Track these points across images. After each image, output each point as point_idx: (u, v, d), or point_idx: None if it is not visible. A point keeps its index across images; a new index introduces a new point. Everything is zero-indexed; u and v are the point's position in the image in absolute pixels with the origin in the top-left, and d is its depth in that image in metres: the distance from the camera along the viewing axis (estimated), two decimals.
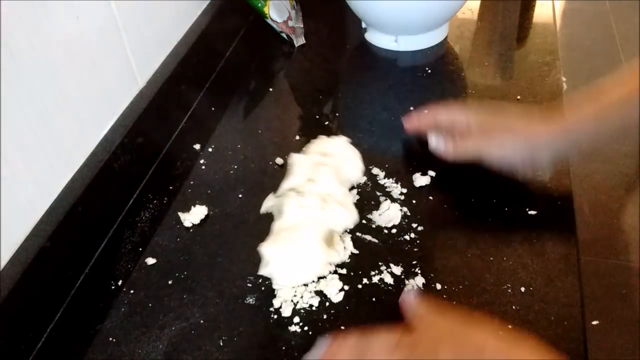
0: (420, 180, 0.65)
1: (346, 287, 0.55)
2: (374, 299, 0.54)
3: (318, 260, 0.56)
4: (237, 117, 0.80)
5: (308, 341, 0.51)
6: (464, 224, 0.61)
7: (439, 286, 0.55)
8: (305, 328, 0.52)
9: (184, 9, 0.82)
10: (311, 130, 0.75)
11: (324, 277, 0.56)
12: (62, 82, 0.57)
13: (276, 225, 0.58)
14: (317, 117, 0.78)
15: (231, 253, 0.60)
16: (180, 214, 0.64)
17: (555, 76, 0.82)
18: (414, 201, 0.64)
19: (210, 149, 0.74)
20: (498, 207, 0.62)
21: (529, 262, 0.56)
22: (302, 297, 0.55)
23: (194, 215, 0.64)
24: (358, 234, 0.60)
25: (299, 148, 0.72)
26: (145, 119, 0.69)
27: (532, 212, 0.61)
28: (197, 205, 0.65)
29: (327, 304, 0.54)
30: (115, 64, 0.66)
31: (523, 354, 0.41)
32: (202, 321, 0.54)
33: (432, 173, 0.66)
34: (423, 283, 0.55)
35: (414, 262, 0.57)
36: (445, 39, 0.92)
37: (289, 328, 0.53)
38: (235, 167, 0.71)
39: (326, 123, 0.77)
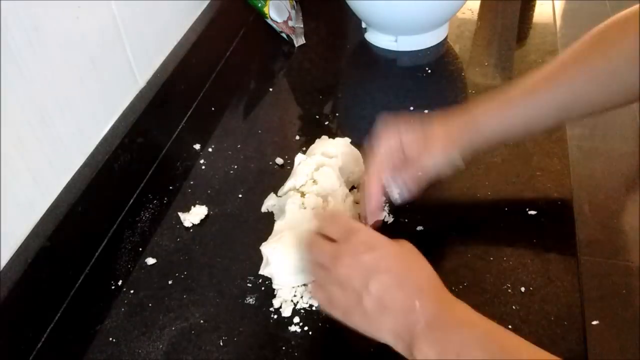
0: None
1: None
2: None
3: None
4: (237, 117, 0.80)
5: (308, 341, 0.51)
6: (464, 223, 0.61)
7: None
8: (305, 328, 0.52)
9: (184, 9, 0.82)
10: (311, 130, 0.75)
11: None
12: (62, 82, 0.57)
13: (277, 225, 0.58)
14: (317, 117, 0.78)
15: (231, 253, 0.60)
16: (180, 214, 0.64)
17: None
18: (414, 201, 0.64)
19: (210, 149, 0.74)
20: (498, 207, 0.62)
21: (529, 262, 0.56)
22: (302, 297, 0.55)
23: (194, 215, 0.64)
24: None
25: (299, 148, 0.72)
26: (145, 119, 0.69)
27: (532, 212, 0.61)
28: (197, 205, 0.65)
29: None
30: (115, 64, 0.66)
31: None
32: (202, 321, 0.54)
33: None
34: None
35: None
36: (445, 39, 0.92)
37: (289, 328, 0.53)
38: (235, 167, 0.71)
39: (326, 123, 0.77)
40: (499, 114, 0.56)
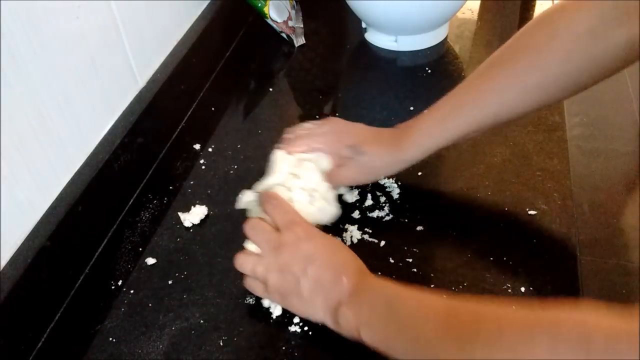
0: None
1: None
2: None
3: None
4: (237, 117, 0.80)
5: (308, 341, 0.51)
6: (464, 223, 0.61)
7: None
8: (305, 328, 0.52)
9: (184, 9, 0.82)
10: None
11: None
12: (62, 82, 0.57)
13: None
14: (317, 117, 0.78)
15: (231, 253, 0.60)
16: (180, 214, 0.64)
17: None
18: (414, 201, 0.64)
19: (210, 149, 0.74)
20: (498, 207, 0.62)
21: (529, 262, 0.56)
22: None
23: (194, 215, 0.64)
24: (357, 233, 0.60)
25: None
26: (145, 119, 0.69)
27: (532, 212, 0.61)
28: (197, 205, 0.65)
29: None
30: (115, 64, 0.66)
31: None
32: (202, 321, 0.54)
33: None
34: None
35: (414, 262, 0.57)
36: (445, 39, 0.92)
37: (289, 328, 0.53)
38: (235, 167, 0.71)
39: None
40: (433, 131, 0.59)
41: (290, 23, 0.93)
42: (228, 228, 0.63)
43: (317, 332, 0.52)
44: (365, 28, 0.93)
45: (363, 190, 0.65)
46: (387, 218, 0.62)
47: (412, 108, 0.77)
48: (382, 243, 0.60)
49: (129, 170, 0.66)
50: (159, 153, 0.73)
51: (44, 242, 0.53)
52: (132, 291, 0.57)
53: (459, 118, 0.58)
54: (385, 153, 0.60)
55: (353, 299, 0.47)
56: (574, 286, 0.54)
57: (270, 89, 0.85)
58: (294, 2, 0.95)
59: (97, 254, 0.61)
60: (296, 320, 0.53)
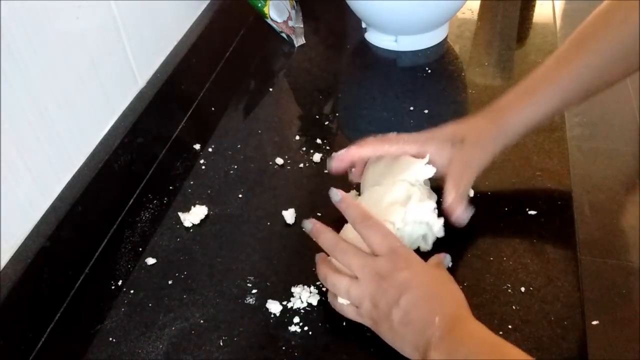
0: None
1: None
2: None
3: None
4: (237, 117, 0.80)
5: (308, 341, 0.51)
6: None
7: None
8: (305, 328, 0.52)
9: (184, 9, 0.82)
10: (311, 130, 0.75)
11: None
12: (62, 82, 0.57)
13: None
14: (317, 117, 0.78)
15: (231, 253, 0.60)
16: (180, 214, 0.64)
17: None
18: None
19: (210, 149, 0.74)
20: (498, 207, 0.62)
21: (529, 262, 0.56)
22: (301, 297, 0.55)
23: (194, 215, 0.64)
24: None
25: (299, 148, 0.72)
26: (145, 119, 0.69)
27: (532, 212, 0.61)
28: (197, 205, 0.65)
29: (327, 303, 0.54)
30: (115, 64, 0.66)
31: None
32: (202, 321, 0.54)
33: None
34: None
35: None
36: (445, 39, 0.92)
37: (289, 328, 0.53)
38: (235, 167, 0.71)
39: (326, 123, 0.77)
40: (526, 107, 0.57)
41: (290, 23, 0.93)
42: (228, 228, 0.63)
43: (317, 332, 0.52)
44: (365, 28, 0.93)
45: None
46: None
47: (412, 108, 0.77)
48: None
49: (129, 170, 0.66)
50: (159, 153, 0.73)
51: (44, 242, 0.53)
52: (132, 291, 0.57)
53: (552, 93, 0.56)
54: (485, 139, 0.57)
55: (444, 344, 0.43)
56: (574, 286, 0.54)
57: (270, 89, 0.85)
58: (294, 2, 0.95)
59: (97, 254, 0.61)
60: (296, 320, 0.53)
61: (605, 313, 1.44)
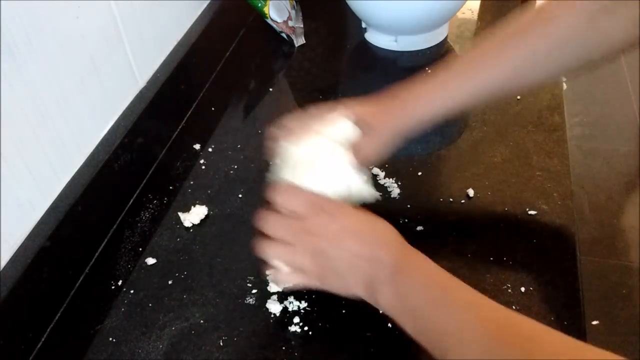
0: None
1: None
2: None
3: None
4: (237, 117, 0.80)
5: (308, 341, 0.51)
6: (463, 223, 0.61)
7: None
8: (305, 328, 0.52)
9: (184, 9, 0.82)
10: None
11: None
12: (62, 82, 0.57)
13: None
14: None
15: (231, 253, 0.60)
16: (180, 214, 0.64)
17: None
18: (414, 201, 0.64)
19: (210, 149, 0.74)
20: (498, 207, 0.62)
21: (529, 262, 0.56)
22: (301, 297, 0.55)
23: (194, 215, 0.64)
24: None
25: None
26: (145, 119, 0.69)
27: (532, 212, 0.61)
28: (197, 205, 0.65)
29: (327, 303, 0.54)
30: (115, 64, 0.66)
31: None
32: (202, 321, 0.54)
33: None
34: None
35: None
36: (445, 39, 0.92)
37: (289, 328, 0.53)
38: (235, 167, 0.71)
39: None
40: (433, 97, 0.57)
41: (290, 23, 0.93)
42: (228, 228, 0.63)
43: (317, 332, 0.52)
44: (365, 28, 0.93)
45: None
46: (387, 218, 0.62)
47: None
48: None
49: (129, 170, 0.66)
50: (159, 153, 0.73)
51: (44, 242, 0.53)
52: (132, 291, 0.57)
53: (464, 91, 0.56)
54: (390, 125, 0.57)
55: (393, 278, 0.44)
56: (574, 286, 0.54)
57: (270, 89, 0.85)
58: (294, 2, 0.95)
59: (97, 254, 0.61)
60: (296, 320, 0.53)
61: (605, 313, 1.44)
